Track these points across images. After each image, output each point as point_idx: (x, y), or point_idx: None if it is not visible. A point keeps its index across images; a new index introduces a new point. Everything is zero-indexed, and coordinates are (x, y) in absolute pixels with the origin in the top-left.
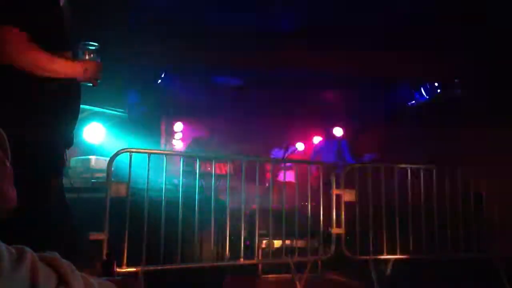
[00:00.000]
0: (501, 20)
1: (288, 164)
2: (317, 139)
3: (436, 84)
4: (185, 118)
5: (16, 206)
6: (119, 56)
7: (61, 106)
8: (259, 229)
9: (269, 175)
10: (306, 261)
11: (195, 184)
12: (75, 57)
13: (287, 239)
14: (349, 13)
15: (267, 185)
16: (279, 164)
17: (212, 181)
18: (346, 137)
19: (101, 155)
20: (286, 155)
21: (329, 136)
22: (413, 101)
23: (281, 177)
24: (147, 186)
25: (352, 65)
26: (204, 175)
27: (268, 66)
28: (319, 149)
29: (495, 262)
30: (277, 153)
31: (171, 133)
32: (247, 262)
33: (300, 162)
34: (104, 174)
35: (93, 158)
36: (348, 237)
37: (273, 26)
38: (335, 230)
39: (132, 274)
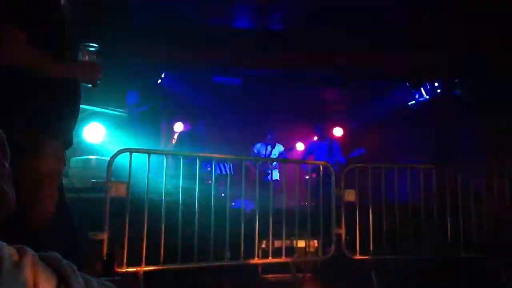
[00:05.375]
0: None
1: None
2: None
3: (436, 84)
4: (185, 118)
5: (15, 207)
6: (119, 56)
7: (60, 106)
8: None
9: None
10: (306, 261)
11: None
12: (75, 58)
13: (287, 239)
14: (348, 12)
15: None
16: (265, 163)
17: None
18: (342, 137)
19: (101, 155)
20: (271, 152)
21: (321, 136)
22: (413, 101)
23: (269, 177)
24: (147, 186)
25: (352, 65)
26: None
27: (268, 65)
28: (312, 149)
29: (494, 262)
30: (260, 147)
31: (171, 133)
32: (247, 262)
33: (299, 162)
34: (104, 174)
35: (93, 158)
36: (348, 237)
37: (272, 25)
38: (335, 230)
39: (132, 274)
